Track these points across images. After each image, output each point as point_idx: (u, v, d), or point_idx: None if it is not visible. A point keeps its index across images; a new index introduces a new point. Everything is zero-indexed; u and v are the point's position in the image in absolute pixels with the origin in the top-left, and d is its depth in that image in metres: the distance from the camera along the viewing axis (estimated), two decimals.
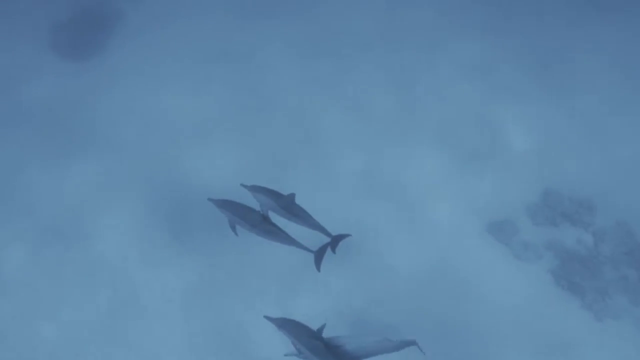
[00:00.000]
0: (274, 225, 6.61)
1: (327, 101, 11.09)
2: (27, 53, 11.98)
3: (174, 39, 12.10)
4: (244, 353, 8.45)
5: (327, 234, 6.76)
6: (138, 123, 10.81)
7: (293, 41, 11.96)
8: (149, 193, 9.90)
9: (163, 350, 8.43)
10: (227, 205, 6.70)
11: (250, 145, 10.51)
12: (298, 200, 6.78)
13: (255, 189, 6.71)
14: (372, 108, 10.99)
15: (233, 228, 6.91)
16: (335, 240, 6.77)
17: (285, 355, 6.34)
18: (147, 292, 8.91)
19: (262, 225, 6.56)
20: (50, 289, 9.02)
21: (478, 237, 9.52)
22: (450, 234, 9.58)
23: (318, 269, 6.65)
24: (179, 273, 9.05)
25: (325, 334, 6.06)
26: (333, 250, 6.78)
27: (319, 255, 6.65)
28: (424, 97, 11.13)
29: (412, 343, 6.06)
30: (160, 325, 8.64)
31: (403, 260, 9.31)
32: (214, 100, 11.13)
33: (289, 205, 6.62)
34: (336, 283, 9.02)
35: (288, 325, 6.04)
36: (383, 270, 9.21)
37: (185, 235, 9.40)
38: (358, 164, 10.30)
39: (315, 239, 7.00)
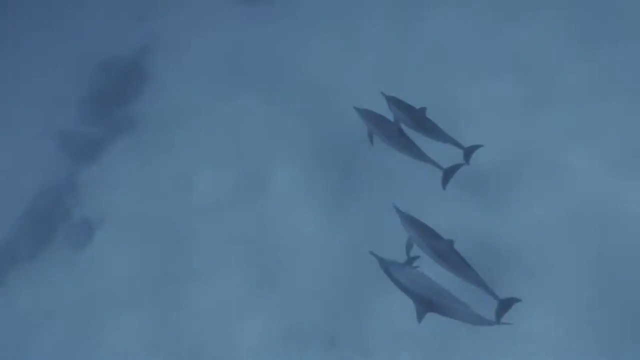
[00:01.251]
0: (408, 138, 6.71)
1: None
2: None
3: None
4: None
5: (459, 145, 6.75)
6: (303, 67, 10.72)
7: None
8: (315, 138, 9.64)
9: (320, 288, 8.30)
10: (368, 115, 6.97)
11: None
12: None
13: (390, 100, 6.92)
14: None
15: (370, 138, 7.16)
16: (469, 151, 6.75)
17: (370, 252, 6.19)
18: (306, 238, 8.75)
19: (396, 137, 6.74)
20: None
21: None
22: None
23: (444, 186, 6.65)
24: (340, 224, 8.73)
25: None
26: (467, 161, 6.76)
27: (448, 173, 6.64)
28: None
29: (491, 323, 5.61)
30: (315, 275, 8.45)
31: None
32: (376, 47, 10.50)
33: (420, 119, 6.75)
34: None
35: (413, 222, 6.17)
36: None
37: (349, 185, 8.98)
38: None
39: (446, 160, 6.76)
